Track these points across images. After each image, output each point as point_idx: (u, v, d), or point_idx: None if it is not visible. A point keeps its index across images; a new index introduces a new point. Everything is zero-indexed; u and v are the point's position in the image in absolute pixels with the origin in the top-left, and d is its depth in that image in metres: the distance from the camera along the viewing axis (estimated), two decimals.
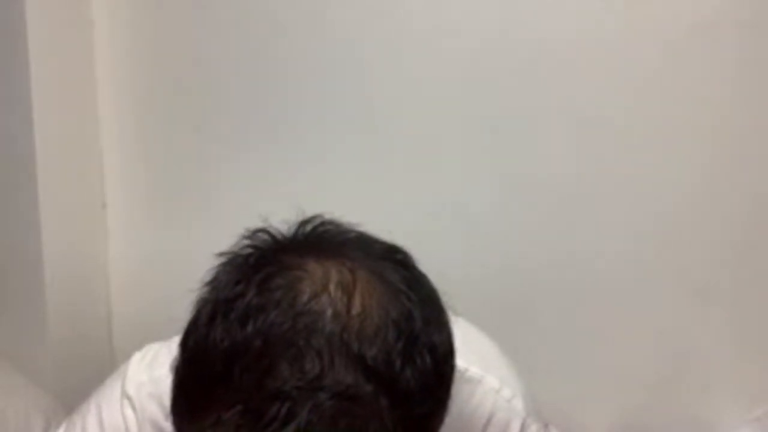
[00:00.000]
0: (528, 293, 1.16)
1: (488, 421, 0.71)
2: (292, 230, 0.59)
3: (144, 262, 1.35)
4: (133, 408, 0.71)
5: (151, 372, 0.72)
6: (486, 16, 1.11)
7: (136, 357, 0.75)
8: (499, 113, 1.13)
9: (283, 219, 0.59)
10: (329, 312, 0.53)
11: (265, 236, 0.58)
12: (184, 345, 0.56)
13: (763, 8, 1.02)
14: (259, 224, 0.59)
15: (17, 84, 1.21)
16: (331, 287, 0.54)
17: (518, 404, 0.73)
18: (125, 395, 0.72)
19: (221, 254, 0.58)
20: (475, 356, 0.74)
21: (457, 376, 0.69)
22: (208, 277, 0.57)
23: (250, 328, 0.52)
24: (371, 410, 0.51)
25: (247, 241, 0.58)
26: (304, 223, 0.59)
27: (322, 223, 0.59)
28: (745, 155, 1.06)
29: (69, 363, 1.27)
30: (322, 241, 0.58)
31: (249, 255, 0.57)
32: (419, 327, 0.55)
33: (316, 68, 1.20)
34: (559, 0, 1.08)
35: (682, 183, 1.09)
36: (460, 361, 0.70)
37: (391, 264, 0.58)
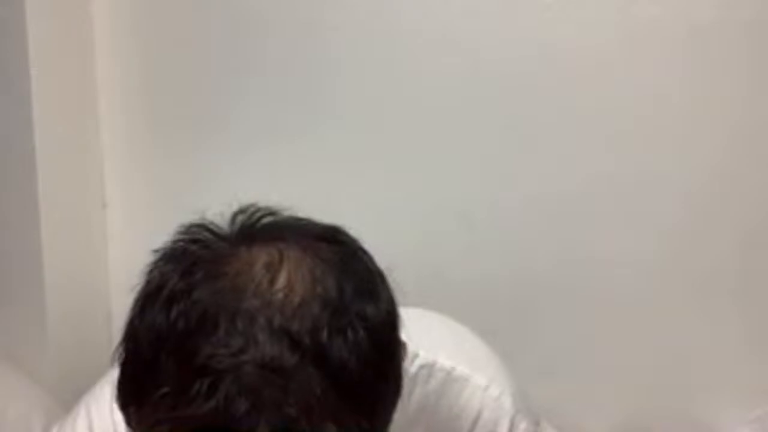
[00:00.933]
0: (528, 293, 1.16)
1: (476, 419, 0.72)
2: (227, 221, 0.59)
3: (144, 263, 1.35)
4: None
5: None
6: (487, 18, 1.11)
7: None
8: (500, 114, 1.13)
9: (218, 211, 0.60)
10: (251, 288, 0.52)
11: (200, 229, 0.58)
12: (121, 340, 0.57)
13: (763, 8, 1.02)
14: (194, 218, 0.60)
15: (17, 84, 1.21)
16: (257, 267, 0.54)
17: (506, 402, 0.73)
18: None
19: (155, 251, 0.59)
20: (463, 355, 0.74)
21: (443, 375, 0.70)
22: (142, 275, 0.58)
23: (173, 312, 0.53)
24: (298, 381, 0.51)
25: (180, 236, 0.59)
26: (238, 213, 0.59)
27: (257, 211, 0.59)
28: (748, 155, 1.06)
29: (69, 364, 1.27)
30: (256, 228, 0.58)
31: (180, 248, 0.58)
32: (349, 299, 0.54)
33: (317, 69, 1.20)
34: (560, 1, 1.08)
35: (684, 183, 1.09)
36: (447, 360, 0.71)
37: (327, 243, 0.57)
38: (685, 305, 1.11)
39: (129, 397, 0.55)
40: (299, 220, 0.59)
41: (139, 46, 1.29)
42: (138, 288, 0.58)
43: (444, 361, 0.70)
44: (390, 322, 0.57)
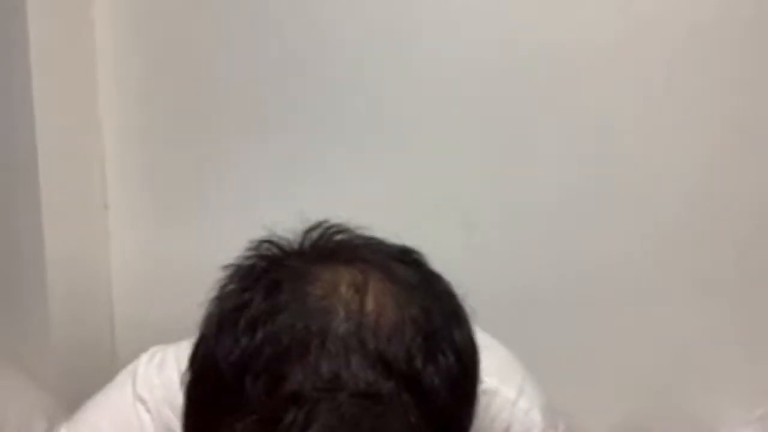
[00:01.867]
0: (528, 294, 1.16)
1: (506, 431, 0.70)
2: (299, 238, 0.57)
3: (146, 264, 1.35)
4: (149, 411, 0.70)
5: (161, 375, 0.71)
6: (488, 19, 1.11)
7: (144, 358, 0.74)
8: (500, 115, 1.13)
9: (288, 228, 0.58)
10: (342, 311, 0.50)
11: (270, 246, 0.56)
12: (192, 362, 0.54)
13: (764, 8, 1.02)
14: (264, 234, 0.57)
15: (18, 85, 1.21)
16: (342, 288, 0.51)
17: (536, 416, 0.72)
18: (138, 398, 0.70)
19: (226, 267, 0.56)
20: (492, 367, 0.70)
21: None
22: (213, 291, 0.55)
23: (258, 335, 0.50)
24: (394, 408, 0.49)
25: (251, 252, 0.56)
26: (310, 230, 0.57)
27: (329, 228, 0.57)
28: (747, 154, 1.06)
29: (71, 365, 1.27)
30: (329, 246, 0.56)
31: (253, 265, 0.55)
32: (438, 323, 0.53)
33: (318, 70, 1.20)
34: (561, 1, 1.08)
35: (684, 182, 1.09)
36: None
37: (404, 264, 0.55)
38: (685, 305, 1.11)
39: (203, 424, 0.52)
40: (371, 239, 0.57)
41: (140, 47, 1.29)
42: (208, 307, 0.55)
43: None
44: (473, 345, 0.56)
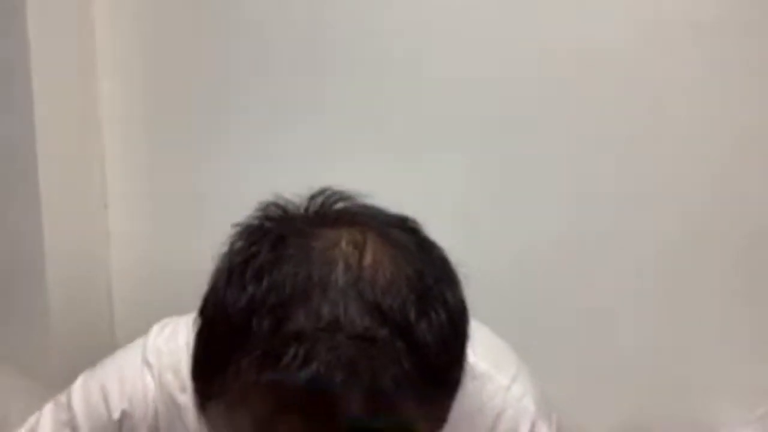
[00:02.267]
0: (528, 293, 1.17)
1: (499, 415, 0.72)
2: (304, 203, 0.61)
3: (146, 264, 1.35)
4: (153, 376, 0.73)
5: (169, 343, 0.74)
6: (487, 19, 1.11)
7: (156, 328, 0.78)
8: (501, 113, 1.14)
9: (294, 192, 0.61)
10: (341, 264, 0.54)
11: (277, 208, 0.60)
12: (202, 311, 0.58)
13: (764, 9, 1.02)
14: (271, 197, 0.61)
15: (18, 85, 1.21)
16: (343, 244, 0.55)
17: (528, 404, 0.73)
18: (146, 362, 0.74)
19: (235, 225, 0.60)
20: (487, 354, 0.74)
21: (467, 371, 0.69)
22: (222, 249, 0.59)
23: (264, 283, 0.54)
24: (388, 353, 0.52)
25: (259, 213, 0.60)
26: (314, 196, 0.61)
27: (332, 195, 0.61)
28: (752, 156, 1.06)
29: (71, 364, 1.27)
30: (332, 210, 0.60)
31: (261, 224, 0.59)
32: (431, 284, 0.56)
33: (316, 71, 1.20)
34: (561, 1, 1.08)
35: (685, 183, 1.09)
36: (471, 357, 0.70)
37: (401, 230, 0.59)
38: (685, 305, 1.11)
39: (212, 363, 0.55)
40: (371, 207, 0.61)
41: (140, 48, 1.30)
42: (217, 263, 0.58)
43: (468, 358, 0.71)
44: (464, 308, 0.59)
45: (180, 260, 1.29)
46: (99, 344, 1.34)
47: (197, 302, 0.60)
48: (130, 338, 1.36)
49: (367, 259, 0.55)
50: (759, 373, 1.10)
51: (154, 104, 1.31)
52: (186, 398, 0.71)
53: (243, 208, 1.25)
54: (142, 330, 0.78)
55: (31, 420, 0.78)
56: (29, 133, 1.22)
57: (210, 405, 0.56)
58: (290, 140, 1.23)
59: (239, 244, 0.58)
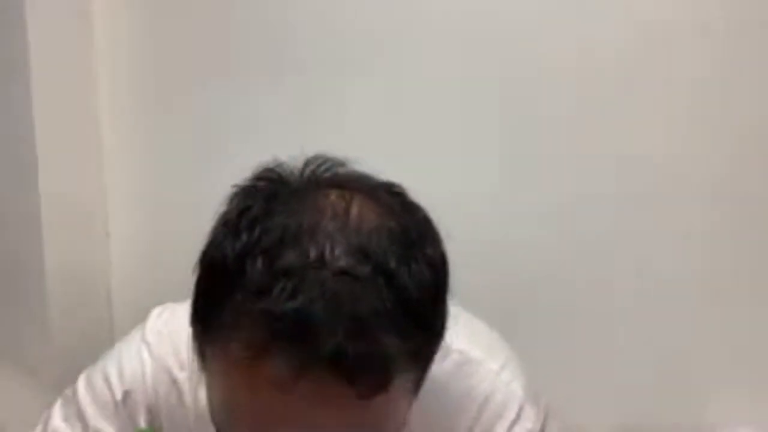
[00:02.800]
0: (528, 293, 1.17)
1: (486, 400, 0.73)
2: (298, 167, 0.64)
3: (146, 265, 1.35)
4: (150, 353, 0.76)
5: (168, 325, 0.78)
6: (488, 20, 1.12)
7: (155, 312, 0.81)
8: (501, 111, 1.14)
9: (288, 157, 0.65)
10: (330, 213, 0.59)
11: (272, 172, 0.64)
12: (201, 261, 0.61)
13: (764, 9, 1.02)
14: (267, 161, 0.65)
15: (18, 85, 1.22)
16: (332, 197, 0.60)
17: (517, 388, 0.74)
18: (144, 341, 0.77)
19: (233, 186, 0.64)
20: (478, 342, 0.76)
21: (457, 356, 0.73)
22: (220, 207, 0.63)
23: (257, 231, 0.58)
24: (370, 290, 0.56)
25: (254, 175, 0.64)
26: (308, 162, 0.64)
27: (325, 162, 0.65)
28: (756, 157, 1.06)
29: (71, 363, 1.27)
30: (325, 175, 0.64)
31: (255, 185, 0.63)
32: (413, 238, 0.60)
33: (316, 72, 1.20)
34: (561, 2, 1.09)
35: (685, 184, 1.09)
36: (462, 343, 0.73)
37: (387, 192, 0.63)
38: (685, 305, 1.11)
39: (209, 304, 0.59)
40: (363, 173, 0.65)
41: (139, 47, 1.30)
42: (216, 218, 0.62)
43: (459, 344, 0.72)
44: (445, 263, 0.62)
45: (180, 263, 1.28)
46: (99, 345, 1.33)
47: None
48: None
49: (353, 211, 0.59)
50: (759, 373, 1.10)
51: (154, 104, 1.31)
52: (184, 376, 0.74)
53: None
54: None
55: (44, 416, 0.79)
56: (29, 133, 1.22)
57: (207, 352, 0.60)
58: (290, 143, 1.22)
59: (234, 203, 0.63)
